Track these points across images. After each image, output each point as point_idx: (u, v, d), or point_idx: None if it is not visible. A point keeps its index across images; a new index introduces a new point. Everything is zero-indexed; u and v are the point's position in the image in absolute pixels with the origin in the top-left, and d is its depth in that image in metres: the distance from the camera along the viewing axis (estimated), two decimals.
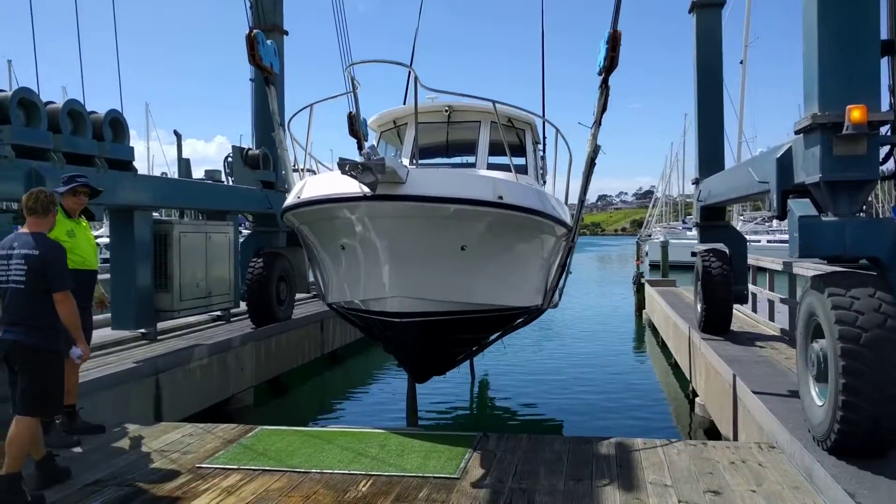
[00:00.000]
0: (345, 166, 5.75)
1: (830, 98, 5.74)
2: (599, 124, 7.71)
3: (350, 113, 11.64)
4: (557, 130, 9.22)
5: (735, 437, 8.07)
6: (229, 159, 14.05)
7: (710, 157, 12.61)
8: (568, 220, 8.48)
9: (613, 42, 6.91)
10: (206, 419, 10.14)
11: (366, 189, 5.95)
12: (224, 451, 6.27)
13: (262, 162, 13.99)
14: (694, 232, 49.88)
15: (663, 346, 17.02)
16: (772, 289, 12.98)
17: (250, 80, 14.87)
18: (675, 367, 14.58)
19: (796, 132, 6.23)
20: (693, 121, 12.99)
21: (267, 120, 14.51)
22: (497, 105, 8.13)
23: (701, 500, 5.05)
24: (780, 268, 12.19)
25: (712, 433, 9.65)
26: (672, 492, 5.20)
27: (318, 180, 6.99)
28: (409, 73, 6.73)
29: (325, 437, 6.64)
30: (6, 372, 5.33)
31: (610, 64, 7.02)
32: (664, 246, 28.29)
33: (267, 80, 7.94)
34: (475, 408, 11.83)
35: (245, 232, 16.75)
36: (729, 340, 11.05)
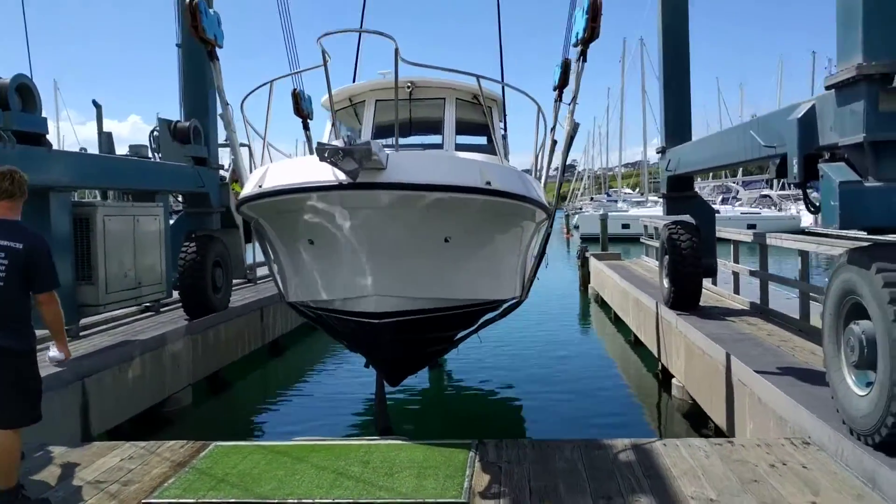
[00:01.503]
0: (324, 152, 5.12)
1: (877, 47, 5.03)
2: (576, 100, 7.40)
3: (294, 90, 10.76)
4: (539, 108, 8.54)
5: (732, 425, 7.47)
6: (155, 133, 12.63)
7: (677, 124, 11.99)
8: (546, 203, 7.81)
9: (594, 11, 6.55)
10: (140, 426, 9.13)
11: (342, 176, 5.30)
12: (175, 479, 5.21)
13: (193, 135, 12.63)
14: (621, 204, 50.67)
15: (617, 321, 16.56)
16: (736, 261, 12.53)
17: (177, 45, 13.44)
18: (634, 344, 14.08)
19: (829, 87, 5.54)
20: (659, 89, 12.28)
21: (196, 87, 13.31)
22: (461, 81, 7.84)
23: None
24: (748, 239, 11.70)
25: (697, 417, 9.11)
26: None
27: (282, 168, 6.24)
28: (392, 47, 5.85)
29: (295, 454, 5.64)
30: None
31: (590, 35, 6.64)
32: (603, 219, 27.98)
33: (211, 53, 7.02)
34: (437, 405, 10.88)
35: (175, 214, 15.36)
36: (700, 316, 10.53)
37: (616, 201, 65.93)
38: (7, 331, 4.58)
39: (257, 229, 7.33)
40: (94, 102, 13.95)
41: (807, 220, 48.53)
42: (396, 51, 5.88)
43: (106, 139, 13.43)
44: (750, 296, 12.25)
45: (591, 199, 77.07)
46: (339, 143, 5.19)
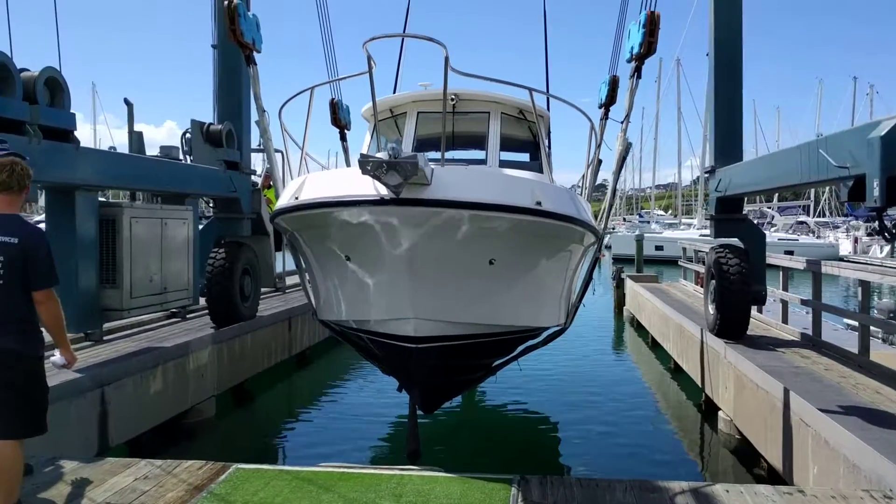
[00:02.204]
0: (367, 164, 4.80)
1: None
2: (629, 118, 7.16)
3: (332, 100, 10.45)
4: (592, 125, 8.14)
5: (791, 468, 6.89)
6: (187, 135, 12.34)
7: (728, 143, 11.44)
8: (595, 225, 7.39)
9: (651, 25, 6.30)
10: (160, 437, 8.78)
11: (384, 191, 4.99)
12: None
13: (226, 139, 12.31)
14: (654, 225, 49.97)
15: (654, 346, 15.96)
16: (785, 288, 11.93)
17: (212, 46, 13.18)
18: (673, 371, 13.49)
19: None
20: (710, 104, 11.74)
21: (231, 90, 13.02)
22: (507, 94, 7.60)
23: None
24: (800, 266, 11.10)
25: (747, 455, 8.52)
26: None
27: (320, 179, 5.94)
28: (441, 53, 5.46)
29: (321, 483, 5.20)
30: None
31: (647, 50, 6.40)
32: (639, 240, 27.31)
33: (249, 58, 6.82)
34: (469, 428, 10.34)
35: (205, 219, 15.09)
36: (748, 345, 9.97)
37: (648, 222, 65.11)
38: (9, 333, 4.32)
39: (291, 242, 7.01)
40: (126, 101, 13.65)
41: (845, 247, 47.47)
42: (447, 59, 5.48)
43: (137, 139, 13.14)
44: (798, 325, 11.69)
45: (624, 219, 76.14)
46: (383, 155, 4.82)
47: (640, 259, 25.84)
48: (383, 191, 5.02)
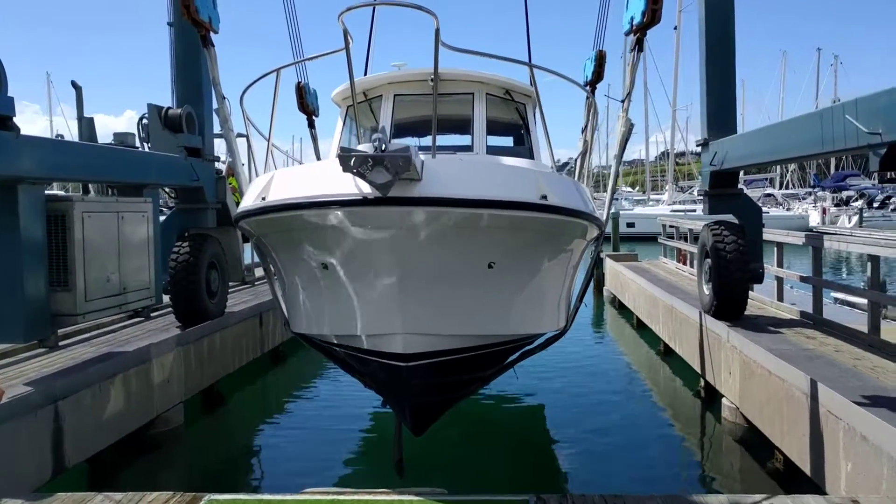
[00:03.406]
0: (349, 160, 4.06)
1: None
2: (630, 97, 6.58)
3: (299, 83, 9.68)
4: (594, 102, 7.51)
5: (819, 465, 6.36)
6: (144, 121, 11.45)
7: (721, 115, 10.88)
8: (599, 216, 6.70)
9: None
10: (124, 452, 8.05)
11: (367, 189, 4.27)
12: None
13: (186, 124, 11.44)
14: (623, 202, 49.79)
15: (640, 327, 15.48)
16: (780, 265, 11.46)
17: (168, 23, 12.26)
18: (663, 354, 13.00)
19: None
20: (700, 75, 11.13)
21: (190, 71, 12.13)
22: (492, 73, 7.12)
23: None
24: (799, 241, 10.61)
25: (756, 445, 8.06)
26: None
27: (291, 176, 5.14)
28: (433, 24, 4.68)
29: None
30: None
31: (651, 19, 5.77)
32: (615, 217, 26.82)
33: (205, 38, 6.06)
34: (457, 445, 9.63)
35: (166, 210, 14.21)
36: (749, 327, 9.48)
37: (617, 199, 64.95)
38: None
39: (258, 246, 6.24)
40: (74, 84, 12.66)
41: (814, 219, 47.65)
42: (437, 31, 4.67)
43: (87, 125, 12.13)
44: (793, 302, 11.26)
45: (592, 195, 76.03)
46: (367, 147, 4.07)
47: (617, 237, 25.41)
48: (367, 189, 4.31)
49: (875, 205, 50.77)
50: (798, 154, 7.95)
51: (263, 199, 5.07)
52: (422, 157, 4.45)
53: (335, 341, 5.97)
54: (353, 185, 4.37)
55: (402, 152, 4.05)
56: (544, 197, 4.93)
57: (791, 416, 6.97)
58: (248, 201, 5.39)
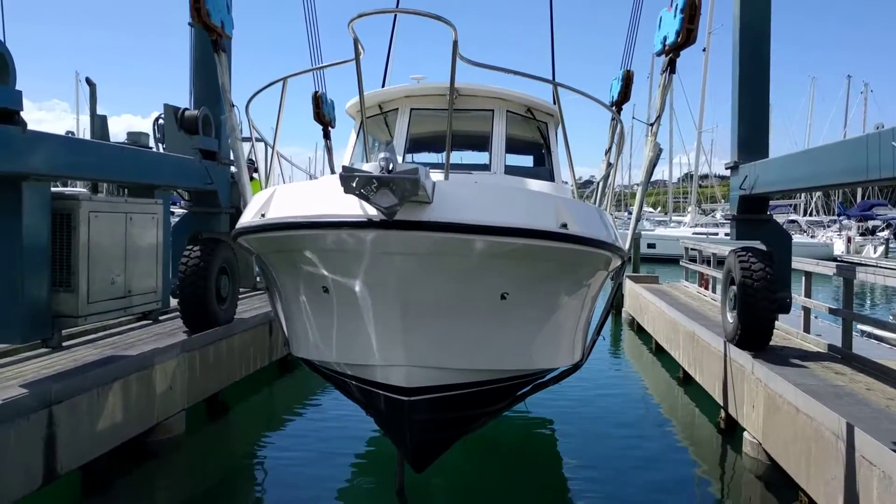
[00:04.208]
0: (352, 180, 3.74)
1: None
2: (660, 120, 6.34)
3: (316, 93, 9.46)
4: (620, 125, 7.22)
5: None
6: (160, 121, 11.28)
7: (752, 138, 10.48)
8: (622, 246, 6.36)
9: (691, 10, 5.48)
10: (120, 460, 7.79)
11: (372, 211, 3.99)
12: None
13: (202, 125, 11.25)
14: (644, 223, 49.53)
15: (658, 351, 15.09)
16: (808, 295, 11.04)
17: (189, 24, 12.10)
18: (682, 381, 12.61)
19: None
20: (732, 97, 10.77)
21: (208, 73, 11.94)
22: (513, 90, 6.95)
23: None
24: (829, 272, 10.21)
25: (779, 485, 7.68)
26: None
27: (292, 193, 4.86)
28: (452, 36, 4.38)
29: None
30: None
31: (685, 39, 5.60)
32: (636, 238, 26.47)
33: (216, 43, 5.92)
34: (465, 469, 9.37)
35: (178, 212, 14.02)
36: (773, 360, 9.07)
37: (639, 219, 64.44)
38: None
39: (259, 262, 5.97)
40: (88, 80, 12.53)
41: (838, 247, 46.89)
42: (455, 43, 4.41)
43: (99, 123, 11.98)
44: (818, 334, 10.85)
45: (613, 216, 75.53)
46: (372, 167, 3.76)
47: (637, 258, 25.04)
48: (372, 211, 4.02)
49: None
50: (837, 181, 7.58)
51: (263, 215, 4.82)
52: (434, 178, 4.15)
53: (333, 369, 5.69)
54: (356, 206, 4.11)
55: (409, 174, 3.73)
56: (564, 225, 4.63)
57: (819, 458, 6.58)
58: (247, 217, 5.18)
